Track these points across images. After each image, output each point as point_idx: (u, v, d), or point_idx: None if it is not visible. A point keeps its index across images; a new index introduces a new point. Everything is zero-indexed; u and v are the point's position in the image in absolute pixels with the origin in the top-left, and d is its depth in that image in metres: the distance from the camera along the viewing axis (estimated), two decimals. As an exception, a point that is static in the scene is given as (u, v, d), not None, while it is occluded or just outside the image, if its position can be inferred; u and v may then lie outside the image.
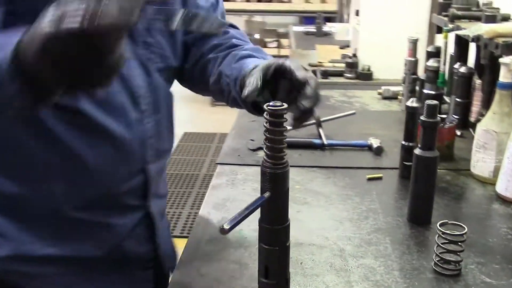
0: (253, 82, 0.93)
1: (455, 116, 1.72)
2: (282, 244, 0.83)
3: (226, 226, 0.73)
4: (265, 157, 0.80)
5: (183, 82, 1.19)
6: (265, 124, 0.79)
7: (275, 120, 0.78)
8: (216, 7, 1.15)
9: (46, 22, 0.62)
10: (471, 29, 1.43)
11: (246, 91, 0.93)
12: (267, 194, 0.80)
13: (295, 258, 1.00)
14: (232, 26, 1.20)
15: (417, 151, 1.11)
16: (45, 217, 0.95)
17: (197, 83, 1.16)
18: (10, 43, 0.66)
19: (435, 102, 1.10)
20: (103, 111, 0.93)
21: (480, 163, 1.33)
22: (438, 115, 1.50)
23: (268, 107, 0.77)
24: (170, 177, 3.97)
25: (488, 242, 1.07)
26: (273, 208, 0.82)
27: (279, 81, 0.95)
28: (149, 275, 1.11)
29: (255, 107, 1.02)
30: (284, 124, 0.79)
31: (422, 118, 1.09)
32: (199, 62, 1.12)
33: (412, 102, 1.31)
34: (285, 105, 0.78)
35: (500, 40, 1.30)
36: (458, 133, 1.66)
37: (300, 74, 0.92)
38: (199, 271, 0.97)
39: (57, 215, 0.95)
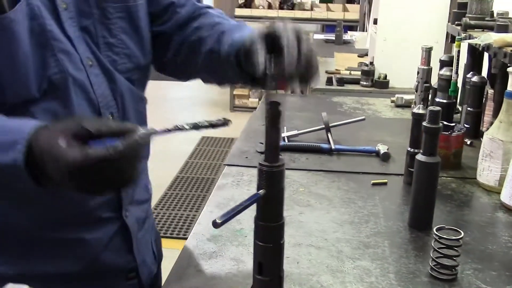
0: (260, 59, 0.87)
1: (466, 125, 1.72)
2: (277, 242, 0.85)
3: (219, 220, 0.75)
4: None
5: (165, 72, 1.16)
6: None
7: (271, 120, 0.80)
8: None
9: (72, 149, 0.68)
10: (481, 38, 1.43)
11: (260, 69, 0.87)
12: (262, 192, 0.82)
13: (292, 258, 1.02)
14: (209, 7, 1.15)
15: (419, 156, 1.12)
16: (18, 239, 0.96)
17: (183, 69, 1.13)
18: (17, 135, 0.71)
19: (437, 108, 1.10)
20: None
21: (486, 171, 1.33)
22: (448, 123, 1.51)
23: (266, 106, 0.79)
24: (186, 180, 4.01)
25: (488, 249, 1.07)
26: (268, 206, 0.83)
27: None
28: (134, 285, 1.10)
29: (252, 79, 0.98)
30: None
31: (424, 123, 1.10)
32: (182, 49, 1.09)
33: (419, 109, 1.32)
34: (281, 103, 0.80)
35: (509, 49, 1.30)
36: (468, 142, 1.66)
37: (291, 44, 0.85)
38: (197, 267, 0.99)
39: (30, 236, 0.96)
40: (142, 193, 1.12)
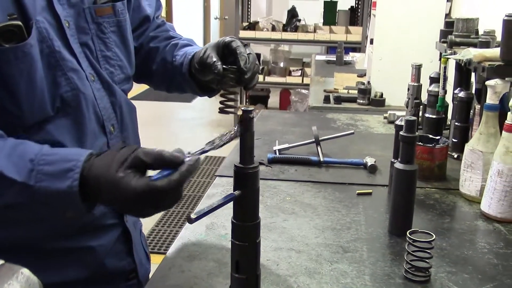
0: (212, 57, 1.04)
1: (454, 140, 1.76)
2: (252, 240, 0.89)
3: (193, 216, 0.79)
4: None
5: None
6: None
7: (245, 125, 0.85)
8: (159, 7, 1.26)
9: (136, 178, 0.77)
10: (461, 53, 1.49)
11: (217, 65, 1.03)
12: (237, 192, 0.87)
13: (272, 260, 1.06)
14: (163, 21, 1.29)
15: (397, 164, 1.16)
16: (28, 251, 0.99)
17: (139, 73, 1.21)
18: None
19: (413, 118, 1.15)
20: (77, 140, 0.97)
21: (468, 182, 1.37)
22: (434, 137, 1.56)
23: (241, 113, 0.85)
24: (189, 198, 4.06)
25: (463, 254, 1.10)
26: (244, 206, 0.88)
27: (227, 57, 1.07)
28: (134, 285, 1.16)
29: (201, 88, 1.17)
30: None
31: (401, 133, 1.15)
32: (139, 54, 1.19)
33: (401, 121, 1.36)
34: (254, 110, 0.86)
35: (487, 64, 1.35)
36: (455, 155, 1.70)
37: (243, 61, 1.03)
38: (181, 268, 1.03)
39: (40, 247, 1.00)
40: None
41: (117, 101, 1.05)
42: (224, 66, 1.03)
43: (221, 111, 1.09)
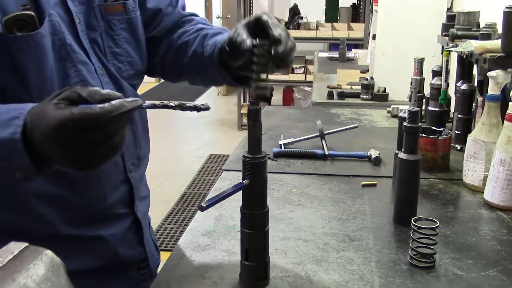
0: (241, 34, 0.97)
1: (457, 132, 1.78)
2: (261, 229, 0.92)
3: (204, 204, 0.82)
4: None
5: (155, 75, 1.26)
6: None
7: (253, 116, 0.88)
8: (176, 3, 1.23)
9: (60, 108, 0.68)
10: (462, 46, 1.51)
11: (246, 40, 0.95)
12: (246, 182, 0.90)
13: (280, 249, 1.08)
14: (194, 15, 1.26)
15: (400, 154, 1.19)
16: (41, 237, 1.00)
17: (171, 71, 1.24)
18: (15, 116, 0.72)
19: (416, 109, 1.17)
20: None
21: (471, 172, 1.39)
22: (437, 128, 1.58)
23: (248, 107, 0.88)
24: (193, 196, 4.09)
25: (467, 241, 1.13)
26: (253, 195, 0.91)
27: (260, 34, 0.97)
28: (145, 274, 1.20)
29: (234, 78, 1.09)
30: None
31: (404, 123, 1.17)
32: (169, 51, 1.20)
33: (404, 113, 1.38)
34: (261, 103, 0.89)
35: (488, 55, 1.38)
36: (458, 147, 1.72)
37: (276, 31, 0.94)
38: (191, 258, 1.06)
39: (53, 236, 1.02)
40: (145, 189, 1.22)
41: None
42: (254, 42, 0.94)
43: (253, 101, 0.91)
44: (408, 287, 0.95)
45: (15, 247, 0.50)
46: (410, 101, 2.03)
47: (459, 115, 1.79)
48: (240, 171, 0.91)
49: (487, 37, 1.56)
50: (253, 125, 0.88)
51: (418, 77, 1.98)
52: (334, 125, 1.93)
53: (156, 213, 3.62)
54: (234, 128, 5.95)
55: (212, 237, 1.14)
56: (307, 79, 5.58)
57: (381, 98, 2.74)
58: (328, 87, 3.06)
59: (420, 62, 1.96)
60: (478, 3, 2.41)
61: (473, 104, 1.76)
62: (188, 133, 5.99)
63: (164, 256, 1.13)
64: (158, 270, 1.11)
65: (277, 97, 6.63)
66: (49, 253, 0.52)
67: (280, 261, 1.04)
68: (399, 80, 2.70)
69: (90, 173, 1.01)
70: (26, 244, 0.52)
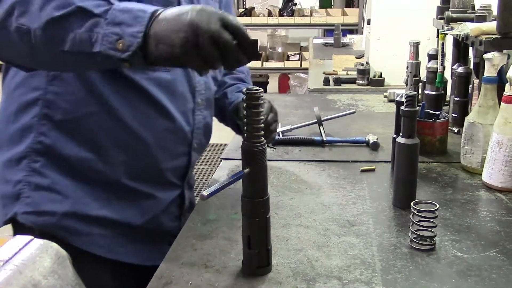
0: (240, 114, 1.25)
1: (454, 115, 1.79)
2: (263, 216, 0.93)
3: (205, 193, 0.83)
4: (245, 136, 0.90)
5: None
6: (243, 107, 0.89)
7: (252, 103, 0.88)
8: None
9: (193, 16, 0.81)
10: (458, 28, 1.51)
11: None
12: (246, 170, 0.90)
13: (282, 236, 1.09)
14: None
15: (399, 139, 1.19)
16: (101, 181, 1.11)
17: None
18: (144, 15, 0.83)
19: (413, 92, 1.18)
20: (169, 96, 1.11)
21: (469, 154, 1.40)
22: (434, 112, 1.58)
23: (246, 92, 0.87)
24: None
25: (466, 222, 1.14)
26: (253, 183, 0.91)
27: None
28: None
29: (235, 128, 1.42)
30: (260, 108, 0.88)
31: (402, 108, 1.17)
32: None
33: (401, 97, 1.39)
34: (261, 90, 0.88)
35: (484, 37, 1.38)
36: (456, 130, 1.73)
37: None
38: (193, 247, 1.06)
39: (111, 180, 1.11)
40: (192, 179, 1.37)
41: (208, 82, 1.25)
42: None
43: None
44: (409, 269, 0.96)
45: (21, 240, 0.51)
46: (406, 85, 2.04)
47: (455, 98, 1.79)
48: (239, 159, 0.92)
49: (482, 19, 1.56)
50: (251, 113, 0.88)
51: (414, 61, 1.98)
52: (331, 111, 1.94)
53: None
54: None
55: (213, 226, 1.15)
56: (303, 66, 5.57)
57: (377, 83, 2.74)
58: (324, 73, 3.06)
59: (415, 46, 1.97)
60: (472, -15, 2.41)
61: (470, 86, 1.76)
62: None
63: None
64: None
65: (273, 84, 6.62)
66: (54, 245, 0.53)
67: (282, 247, 1.05)
68: (395, 65, 2.70)
69: (163, 133, 1.13)
70: (31, 237, 0.52)
